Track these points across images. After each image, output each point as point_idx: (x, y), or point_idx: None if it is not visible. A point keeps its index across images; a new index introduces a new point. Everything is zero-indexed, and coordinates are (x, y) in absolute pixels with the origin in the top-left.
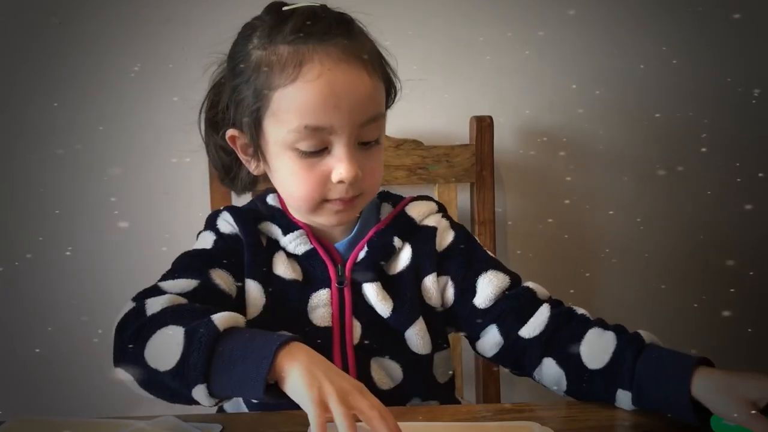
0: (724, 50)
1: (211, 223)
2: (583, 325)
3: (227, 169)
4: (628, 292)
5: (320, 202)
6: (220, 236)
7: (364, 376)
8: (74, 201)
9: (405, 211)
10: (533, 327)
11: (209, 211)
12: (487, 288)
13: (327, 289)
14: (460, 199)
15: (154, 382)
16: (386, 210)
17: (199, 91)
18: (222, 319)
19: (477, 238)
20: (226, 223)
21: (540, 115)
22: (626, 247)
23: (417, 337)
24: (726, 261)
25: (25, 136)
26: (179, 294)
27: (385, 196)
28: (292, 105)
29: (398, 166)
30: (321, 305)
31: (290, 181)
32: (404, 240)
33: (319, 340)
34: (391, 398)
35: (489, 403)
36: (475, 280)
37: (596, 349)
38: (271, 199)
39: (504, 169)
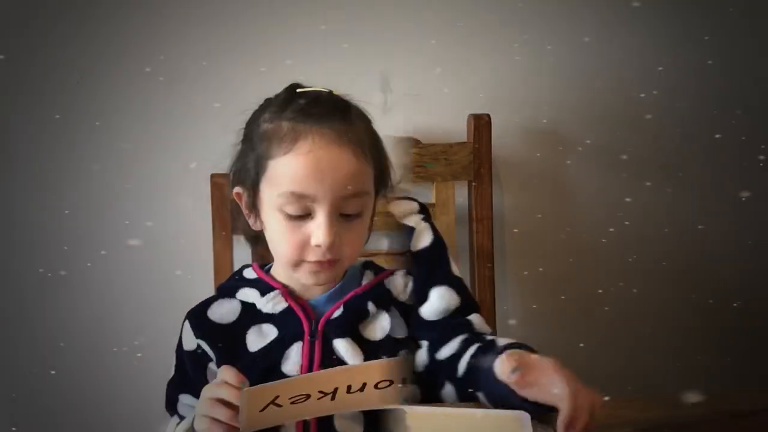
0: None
1: (179, 340)
2: (470, 343)
3: (248, 230)
4: (623, 289)
5: (300, 262)
6: (179, 357)
7: (328, 426)
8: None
9: (384, 284)
10: (447, 350)
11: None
12: (436, 302)
13: (300, 342)
14: (458, 196)
15: None
16: (368, 277)
17: None
18: None
19: (474, 236)
20: (187, 339)
21: (538, 114)
22: (622, 245)
23: None
24: (720, 262)
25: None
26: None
27: (368, 265)
28: (283, 173)
29: (395, 164)
30: (292, 357)
31: (277, 239)
32: (378, 307)
33: None
34: None
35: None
36: (430, 289)
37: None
38: (248, 272)
39: (502, 166)
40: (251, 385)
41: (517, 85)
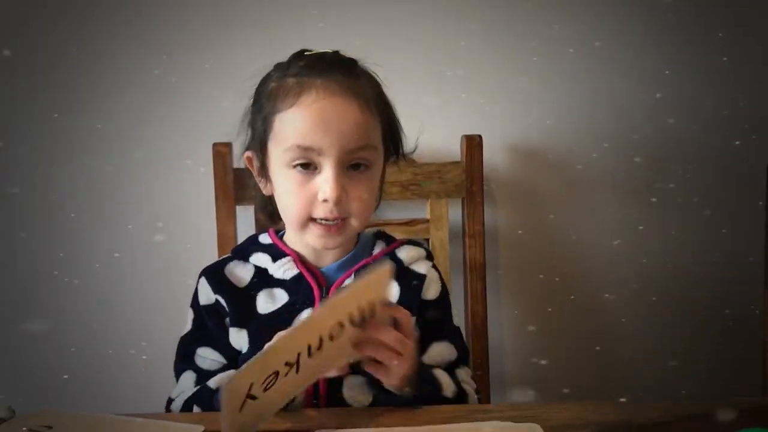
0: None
1: (193, 296)
2: None
3: (263, 203)
4: (613, 303)
5: (307, 221)
6: (198, 312)
7: (335, 393)
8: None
9: (395, 252)
10: None
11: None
12: (434, 356)
13: (310, 309)
14: (452, 213)
15: None
16: (379, 247)
17: None
18: None
19: (467, 251)
20: (204, 295)
21: (528, 134)
22: (612, 260)
23: None
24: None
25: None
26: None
27: (380, 235)
28: (289, 127)
29: (393, 182)
30: None
31: (284, 198)
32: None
33: None
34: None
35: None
36: (431, 343)
37: None
38: (263, 238)
39: (494, 184)
40: (255, 351)
41: (508, 107)
